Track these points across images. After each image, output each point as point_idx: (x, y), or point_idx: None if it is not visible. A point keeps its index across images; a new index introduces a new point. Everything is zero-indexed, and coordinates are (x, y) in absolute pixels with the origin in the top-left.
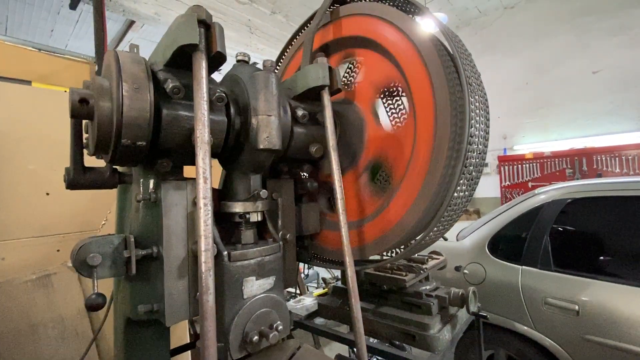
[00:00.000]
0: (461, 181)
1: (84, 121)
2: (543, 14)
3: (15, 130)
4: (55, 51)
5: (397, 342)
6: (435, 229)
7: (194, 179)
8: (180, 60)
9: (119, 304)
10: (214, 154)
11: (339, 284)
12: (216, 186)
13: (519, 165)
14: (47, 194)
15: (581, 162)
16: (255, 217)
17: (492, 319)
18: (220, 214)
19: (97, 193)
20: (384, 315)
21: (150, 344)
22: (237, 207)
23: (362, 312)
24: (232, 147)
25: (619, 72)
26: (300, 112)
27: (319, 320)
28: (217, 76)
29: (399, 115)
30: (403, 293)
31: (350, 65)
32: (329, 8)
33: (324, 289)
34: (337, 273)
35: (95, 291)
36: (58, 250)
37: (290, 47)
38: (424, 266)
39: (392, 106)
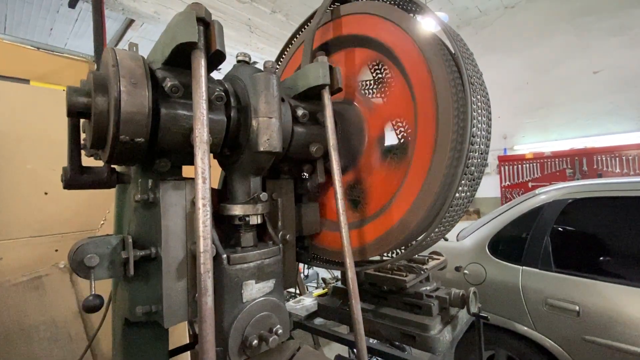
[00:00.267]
0: (463, 182)
1: (81, 120)
2: (543, 13)
3: (14, 130)
4: (54, 50)
5: (397, 343)
6: (436, 229)
7: (193, 179)
8: (179, 58)
9: (117, 304)
10: (213, 154)
11: (339, 284)
12: (215, 186)
13: (519, 165)
14: (46, 193)
15: (581, 162)
16: (255, 220)
17: (492, 319)
18: (219, 215)
19: (95, 192)
20: (384, 315)
21: (149, 345)
22: (237, 210)
23: (362, 312)
24: (232, 148)
25: (619, 72)
26: (300, 112)
27: (318, 320)
28: (218, 75)
29: (403, 123)
30: (403, 293)
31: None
32: (330, 7)
33: (323, 289)
34: (337, 273)
35: (93, 292)
36: (56, 250)
37: (290, 46)
38: (424, 267)
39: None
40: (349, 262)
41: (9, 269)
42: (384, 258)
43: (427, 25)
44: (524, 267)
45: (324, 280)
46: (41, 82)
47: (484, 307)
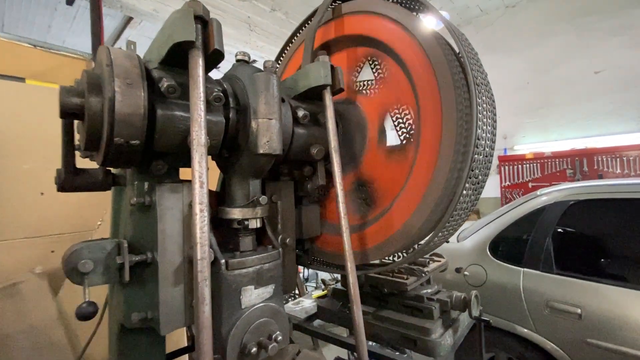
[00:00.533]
0: (467, 185)
1: (75, 120)
2: (544, 13)
3: (9, 129)
4: (51, 47)
5: (397, 347)
6: (440, 234)
7: (190, 182)
8: (176, 58)
9: (113, 309)
10: (211, 156)
11: (339, 285)
12: (213, 187)
13: (520, 166)
14: (42, 193)
15: (582, 162)
16: (254, 224)
17: (493, 321)
18: (217, 218)
19: (92, 193)
20: (385, 319)
21: (146, 351)
22: (236, 214)
23: (362, 315)
24: (230, 149)
25: (620, 72)
26: (301, 113)
27: (317, 321)
28: (218, 74)
29: (405, 123)
30: (404, 296)
31: (374, 65)
32: (331, 5)
33: (323, 290)
34: (337, 275)
35: (87, 300)
36: (52, 251)
37: (290, 44)
38: (425, 269)
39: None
40: (350, 266)
41: (4, 270)
42: (385, 261)
43: (430, 24)
44: (525, 269)
45: (323, 281)
46: (37, 80)
47: (485, 308)
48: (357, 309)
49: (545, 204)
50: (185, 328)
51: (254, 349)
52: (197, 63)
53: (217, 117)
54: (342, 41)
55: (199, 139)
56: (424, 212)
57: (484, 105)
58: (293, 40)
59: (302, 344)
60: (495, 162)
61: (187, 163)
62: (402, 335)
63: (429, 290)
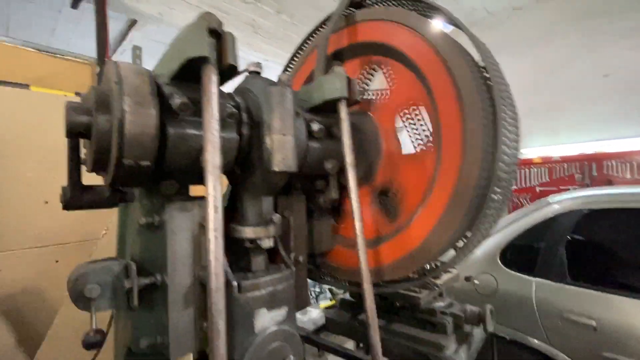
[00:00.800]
0: (491, 204)
1: None
2: (552, 15)
3: (13, 136)
4: (56, 52)
5: None
6: (461, 255)
7: (201, 199)
8: (188, 73)
9: (119, 332)
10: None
11: (347, 296)
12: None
13: (527, 170)
14: (46, 202)
15: (591, 167)
16: (267, 243)
17: (503, 331)
18: (227, 237)
19: None
20: (395, 332)
21: None
22: (248, 233)
23: None
24: (243, 166)
25: (630, 75)
26: (315, 127)
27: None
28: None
29: (421, 133)
30: (416, 309)
31: (372, 72)
32: (345, 12)
33: (331, 300)
34: None
35: (94, 327)
36: (57, 261)
37: (299, 53)
38: (437, 281)
39: (412, 123)
40: (367, 288)
41: (8, 281)
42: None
43: (448, 32)
44: (537, 279)
45: (330, 290)
46: (42, 86)
47: (496, 319)
48: (375, 334)
49: (558, 213)
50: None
51: None
52: (211, 79)
53: (230, 133)
54: (355, 49)
55: (213, 160)
56: (445, 231)
57: (509, 120)
58: (303, 48)
59: (307, 350)
60: None
61: (199, 181)
62: (415, 350)
63: (442, 304)
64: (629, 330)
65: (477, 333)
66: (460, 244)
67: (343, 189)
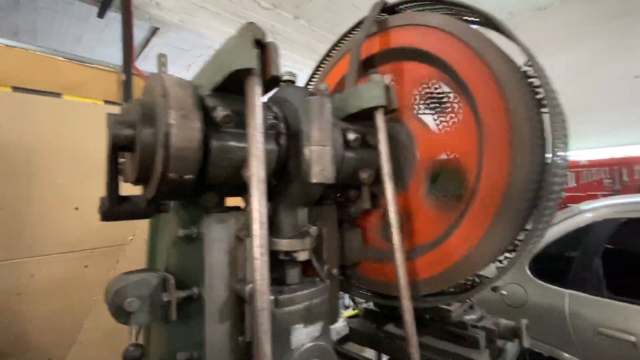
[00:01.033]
0: (546, 212)
1: None
2: (579, 15)
3: (45, 144)
4: (83, 60)
5: None
6: (508, 268)
7: (237, 209)
8: (231, 84)
9: (152, 346)
10: None
11: (371, 305)
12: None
13: None
14: (76, 208)
15: (621, 172)
16: (303, 256)
17: (534, 345)
18: None
19: None
20: (424, 345)
21: None
22: (283, 245)
23: (398, 339)
24: (279, 177)
25: None
26: (352, 136)
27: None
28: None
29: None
30: (446, 322)
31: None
32: (377, 17)
33: (353, 309)
34: None
35: (134, 342)
36: (86, 266)
37: (327, 59)
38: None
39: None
40: (406, 304)
41: (40, 286)
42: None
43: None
44: (570, 291)
45: (352, 299)
46: (71, 94)
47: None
48: (415, 351)
49: (592, 221)
50: None
51: None
52: (255, 92)
53: (269, 145)
54: (388, 55)
55: (258, 174)
56: (492, 243)
57: (561, 124)
58: (331, 54)
59: None
60: None
61: (237, 193)
62: None
63: (473, 317)
64: None
65: (510, 348)
66: (506, 256)
67: (373, 198)
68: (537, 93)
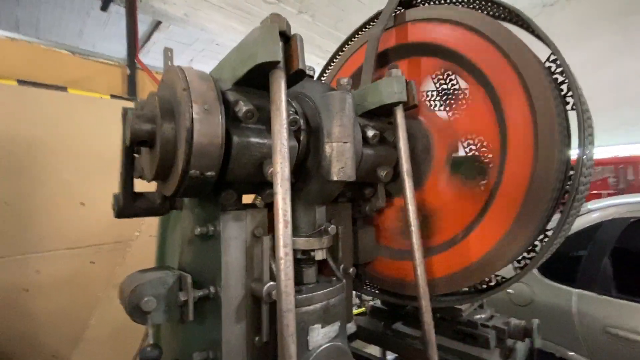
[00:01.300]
0: (572, 212)
1: None
2: (586, 12)
3: (51, 139)
4: (88, 54)
5: None
6: (530, 268)
7: (253, 207)
8: (253, 78)
9: (167, 345)
10: None
11: (378, 303)
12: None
13: None
14: (82, 204)
15: (626, 170)
16: (320, 255)
17: (551, 348)
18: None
19: None
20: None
21: None
22: (301, 244)
23: (408, 338)
24: (297, 174)
25: None
26: (370, 133)
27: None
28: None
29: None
30: (456, 321)
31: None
32: (394, 12)
33: (359, 307)
34: None
35: (151, 342)
36: (92, 262)
37: (340, 53)
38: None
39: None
40: (425, 305)
41: (46, 282)
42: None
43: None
44: (579, 290)
45: (359, 297)
46: (76, 88)
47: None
48: (433, 353)
49: (600, 220)
50: None
51: None
52: (280, 86)
53: (290, 141)
54: (404, 49)
55: (283, 172)
56: (513, 243)
57: (589, 138)
58: (344, 49)
59: None
60: None
61: (256, 190)
62: None
63: (483, 316)
64: None
65: (521, 348)
66: (524, 256)
67: (388, 196)
68: (562, 89)
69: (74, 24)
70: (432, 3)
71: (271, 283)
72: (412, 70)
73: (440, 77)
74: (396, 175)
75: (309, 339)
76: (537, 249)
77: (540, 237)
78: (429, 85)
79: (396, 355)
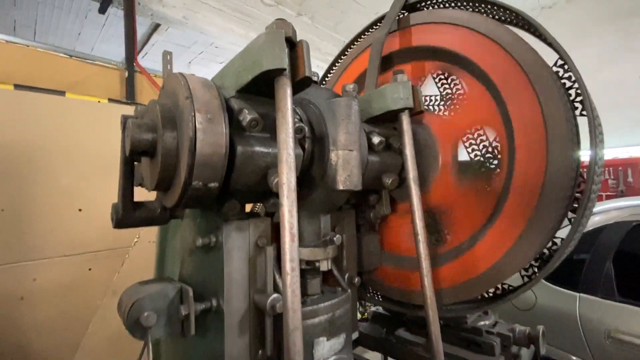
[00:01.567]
0: (584, 218)
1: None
2: (585, 14)
3: (48, 144)
4: (86, 57)
5: None
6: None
7: (255, 216)
8: (257, 85)
9: (166, 357)
10: None
11: (380, 309)
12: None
13: None
14: (80, 210)
15: (626, 172)
16: (325, 266)
17: (556, 354)
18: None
19: None
20: None
21: None
22: (305, 254)
23: (412, 346)
24: (302, 183)
25: None
26: (376, 139)
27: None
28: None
29: (483, 149)
30: (460, 328)
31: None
32: (398, 15)
33: (361, 314)
34: None
35: (150, 358)
36: (90, 269)
37: (341, 59)
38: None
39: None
40: (432, 315)
41: (43, 289)
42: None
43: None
44: (581, 294)
45: (361, 303)
46: (74, 92)
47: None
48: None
49: (602, 224)
50: None
51: None
52: (286, 93)
53: (296, 150)
54: (407, 53)
55: (289, 183)
56: (519, 255)
57: (600, 138)
58: (346, 53)
59: None
60: None
61: (259, 200)
62: None
63: (487, 322)
64: None
65: (525, 354)
66: (532, 264)
67: (392, 203)
68: (570, 94)
69: (72, 26)
70: (436, 7)
71: (275, 295)
72: (416, 73)
73: (444, 80)
74: (401, 181)
75: (314, 353)
76: (546, 256)
77: (549, 244)
78: (434, 89)
79: None
